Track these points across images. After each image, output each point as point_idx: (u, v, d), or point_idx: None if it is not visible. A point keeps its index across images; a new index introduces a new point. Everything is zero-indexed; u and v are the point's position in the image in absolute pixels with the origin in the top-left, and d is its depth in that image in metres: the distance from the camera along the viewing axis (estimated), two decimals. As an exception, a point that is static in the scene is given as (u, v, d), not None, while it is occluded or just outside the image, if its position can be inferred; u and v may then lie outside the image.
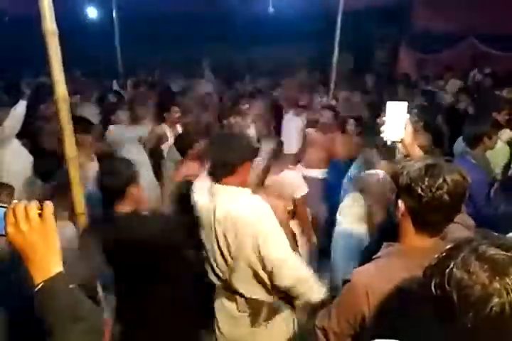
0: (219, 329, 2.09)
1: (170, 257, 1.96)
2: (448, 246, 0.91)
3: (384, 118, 1.74)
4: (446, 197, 1.20)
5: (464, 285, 0.82)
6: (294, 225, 3.07)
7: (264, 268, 1.86)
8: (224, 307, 2.05)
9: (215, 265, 2.03)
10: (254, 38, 9.09)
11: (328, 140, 4.22)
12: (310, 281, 1.88)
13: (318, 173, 4.17)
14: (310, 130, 4.41)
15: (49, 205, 0.97)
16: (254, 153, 1.97)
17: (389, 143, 1.75)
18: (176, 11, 8.14)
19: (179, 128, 4.31)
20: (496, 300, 0.80)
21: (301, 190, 3.09)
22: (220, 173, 1.91)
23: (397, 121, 1.70)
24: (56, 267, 0.96)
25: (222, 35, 9.04)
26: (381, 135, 1.76)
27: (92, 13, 9.26)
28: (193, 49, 9.10)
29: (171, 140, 4.07)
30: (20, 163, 3.45)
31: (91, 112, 5.21)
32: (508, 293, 0.79)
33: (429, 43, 7.58)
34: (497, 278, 0.81)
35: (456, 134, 3.72)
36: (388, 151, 2.79)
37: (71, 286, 0.97)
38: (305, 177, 3.85)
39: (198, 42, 9.20)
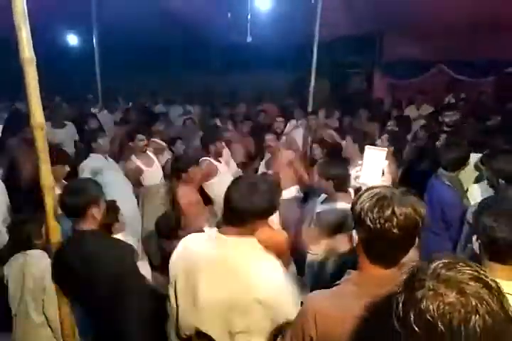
0: None
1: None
2: (404, 278, 0.92)
3: (360, 162, 1.74)
4: (394, 229, 1.17)
5: (444, 313, 0.83)
6: None
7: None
8: None
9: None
10: (233, 66, 9.27)
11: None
12: None
13: (292, 192, 4.15)
14: (287, 152, 4.41)
15: None
16: (275, 209, 1.70)
17: (364, 188, 1.71)
18: (156, 38, 8.25)
19: (151, 154, 4.23)
20: (475, 317, 0.81)
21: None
22: (233, 221, 1.62)
23: (374, 167, 1.70)
24: None
25: (201, 63, 9.20)
26: (357, 180, 1.74)
27: (72, 40, 9.35)
28: (173, 76, 9.23)
29: (147, 171, 4.04)
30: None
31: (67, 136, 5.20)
32: (482, 304, 0.82)
33: (402, 70, 7.87)
34: (469, 293, 0.83)
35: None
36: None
37: None
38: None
39: (178, 69, 9.34)
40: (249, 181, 1.67)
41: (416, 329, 0.84)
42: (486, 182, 2.74)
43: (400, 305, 0.89)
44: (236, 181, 1.69)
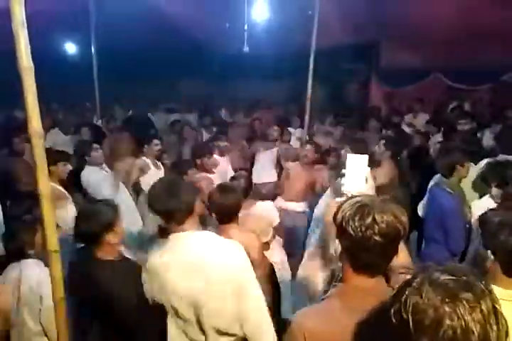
0: None
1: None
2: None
3: (343, 171, 1.72)
4: (376, 237, 1.17)
5: (418, 310, 0.85)
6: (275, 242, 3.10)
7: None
8: None
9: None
10: (230, 76, 9.32)
11: (310, 173, 4.22)
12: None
13: (297, 206, 4.18)
14: (290, 164, 4.42)
15: None
16: (197, 192, 1.87)
17: (349, 196, 1.69)
18: (154, 47, 8.28)
19: (158, 162, 4.24)
20: (447, 322, 0.81)
21: (275, 220, 3.12)
22: (178, 219, 1.71)
23: (357, 174, 1.68)
24: None
25: (199, 73, 9.24)
26: (341, 188, 1.73)
27: (70, 48, 9.37)
28: (170, 85, 9.24)
29: (153, 172, 4.02)
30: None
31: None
32: (458, 318, 0.81)
33: (398, 78, 7.91)
34: (447, 300, 0.83)
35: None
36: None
37: None
38: (285, 210, 3.89)
39: (176, 78, 9.36)
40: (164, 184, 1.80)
41: (394, 321, 0.88)
42: (488, 196, 2.74)
43: (391, 297, 0.92)
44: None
